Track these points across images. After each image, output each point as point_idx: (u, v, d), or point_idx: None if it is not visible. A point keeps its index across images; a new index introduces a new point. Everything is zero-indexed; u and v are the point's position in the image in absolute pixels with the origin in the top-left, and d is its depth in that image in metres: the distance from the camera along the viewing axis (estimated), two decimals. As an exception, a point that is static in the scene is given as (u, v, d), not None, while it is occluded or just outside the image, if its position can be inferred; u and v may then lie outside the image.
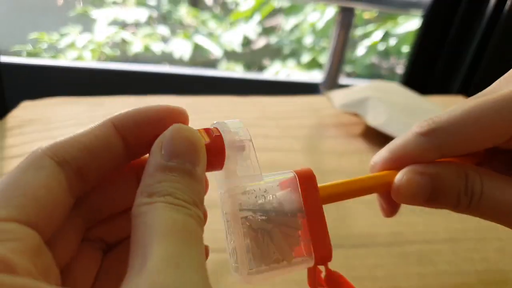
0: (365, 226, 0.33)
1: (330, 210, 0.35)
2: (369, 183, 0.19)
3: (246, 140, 0.16)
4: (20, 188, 0.12)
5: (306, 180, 0.17)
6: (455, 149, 0.17)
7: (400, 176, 0.18)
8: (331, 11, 1.36)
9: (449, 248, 0.31)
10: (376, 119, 0.48)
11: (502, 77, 0.18)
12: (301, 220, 0.17)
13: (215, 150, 0.15)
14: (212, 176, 0.17)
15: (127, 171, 0.16)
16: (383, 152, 0.19)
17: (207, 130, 0.16)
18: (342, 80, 1.01)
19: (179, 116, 0.16)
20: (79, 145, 0.14)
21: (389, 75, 1.88)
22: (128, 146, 0.15)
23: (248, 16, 1.21)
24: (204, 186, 0.14)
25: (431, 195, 0.17)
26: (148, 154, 0.14)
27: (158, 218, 0.12)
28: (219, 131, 0.16)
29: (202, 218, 0.13)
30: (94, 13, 1.43)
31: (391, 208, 0.21)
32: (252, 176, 0.16)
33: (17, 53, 1.27)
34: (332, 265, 0.29)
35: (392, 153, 0.19)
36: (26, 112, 0.43)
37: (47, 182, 0.13)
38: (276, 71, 1.56)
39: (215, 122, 0.16)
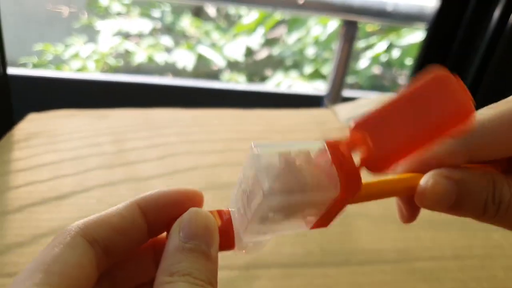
0: (371, 242, 0.33)
1: (335, 226, 0.35)
2: (392, 186, 0.18)
3: None
4: (59, 266, 0.13)
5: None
6: (484, 153, 0.17)
7: (425, 180, 0.17)
8: (333, 24, 1.38)
9: (456, 265, 0.31)
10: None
11: None
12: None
13: (226, 233, 0.16)
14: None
15: (145, 247, 0.17)
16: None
17: (219, 213, 0.17)
18: (346, 92, 1.01)
19: (196, 199, 0.17)
20: (107, 226, 0.15)
21: (392, 86, 1.88)
22: (149, 225, 0.16)
23: (252, 29, 1.22)
24: (217, 266, 0.15)
25: (456, 202, 0.17)
26: (165, 233, 0.16)
27: None
28: (229, 215, 0.17)
29: None
30: (99, 24, 1.45)
31: (411, 213, 0.20)
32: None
33: (23, 65, 1.29)
34: (339, 282, 0.29)
35: (417, 155, 0.17)
36: (32, 125, 0.43)
37: (80, 260, 0.14)
38: (278, 82, 1.57)
39: (230, 209, 0.17)
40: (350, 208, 0.38)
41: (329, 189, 0.15)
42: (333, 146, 0.15)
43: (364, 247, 0.32)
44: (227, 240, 0.16)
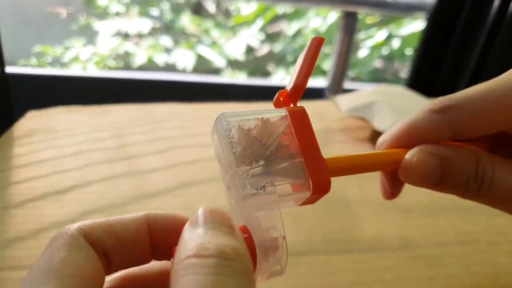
0: (373, 230, 0.32)
1: (337, 214, 0.35)
2: (377, 159, 0.18)
3: (280, 238, 0.14)
4: (71, 268, 0.13)
5: (298, 117, 0.16)
6: (468, 129, 0.17)
7: (410, 155, 0.17)
8: (333, 16, 1.37)
9: (459, 251, 0.31)
10: (382, 124, 0.48)
11: None
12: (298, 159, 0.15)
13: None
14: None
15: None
16: (393, 129, 0.18)
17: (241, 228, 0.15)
18: (347, 84, 1.01)
19: None
20: (108, 231, 0.14)
21: (394, 79, 1.87)
22: (153, 244, 0.15)
23: (251, 21, 1.21)
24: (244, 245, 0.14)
25: (440, 178, 0.17)
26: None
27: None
28: (248, 231, 0.14)
29: None
30: (97, 25, 1.45)
31: (393, 189, 0.20)
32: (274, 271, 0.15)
33: (23, 68, 1.29)
34: (342, 270, 0.29)
35: (402, 131, 0.18)
36: (33, 121, 0.43)
37: (90, 260, 0.13)
38: (280, 78, 1.57)
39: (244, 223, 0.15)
40: (352, 197, 0.38)
41: (292, 156, 0.15)
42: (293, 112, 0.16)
43: (367, 235, 0.32)
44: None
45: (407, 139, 0.18)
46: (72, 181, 0.35)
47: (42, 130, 0.41)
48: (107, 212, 0.32)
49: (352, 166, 0.17)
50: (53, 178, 0.35)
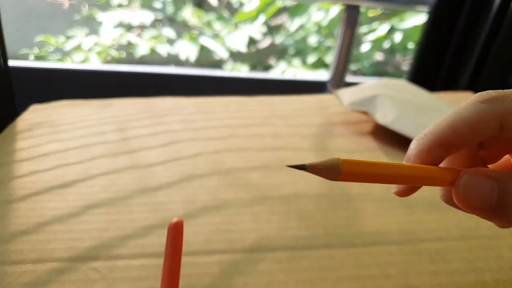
0: (376, 224, 0.32)
1: (340, 209, 0.35)
2: (410, 172, 0.16)
3: None
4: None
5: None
6: None
7: (465, 179, 0.16)
8: (335, 10, 1.36)
9: (462, 246, 0.31)
10: (385, 117, 0.48)
11: None
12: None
13: None
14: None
15: None
16: (432, 127, 0.17)
17: None
18: (349, 78, 1.00)
19: None
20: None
21: (396, 73, 1.86)
22: None
23: (253, 17, 1.21)
24: None
25: (498, 202, 0.16)
26: None
27: None
28: None
29: None
30: (100, 15, 1.44)
31: (410, 187, 0.19)
32: None
33: (24, 57, 1.29)
34: (345, 264, 0.29)
35: (445, 125, 0.17)
36: (35, 115, 0.43)
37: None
38: (282, 71, 1.56)
39: None
40: (354, 191, 0.38)
41: None
42: None
43: (369, 229, 0.32)
44: None
45: (452, 134, 0.17)
46: (75, 174, 0.35)
47: (45, 123, 0.41)
48: (110, 205, 0.32)
49: (380, 176, 0.16)
50: (56, 172, 0.35)
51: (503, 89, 0.16)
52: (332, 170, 0.15)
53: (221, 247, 0.29)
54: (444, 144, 0.17)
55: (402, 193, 0.19)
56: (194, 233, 0.30)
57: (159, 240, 0.29)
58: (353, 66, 1.61)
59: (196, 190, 0.34)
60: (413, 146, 0.18)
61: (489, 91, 0.16)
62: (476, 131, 0.16)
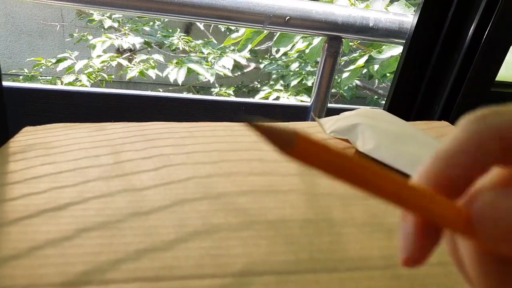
0: (358, 249, 0.34)
1: (324, 234, 0.37)
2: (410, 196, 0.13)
3: None
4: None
5: None
6: None
7: (481, 201, 0.13)
8: (318, 38, 1.42)
9: (441, 271, 0.33)
10: (365, 145, 0.50)
11: None
12: None
13: None
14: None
15: None
16: (429, 160, 0.14)
17: None
18: (331, 105, 1.04)
19: None
20: None
21: (373, 97, 1.93)
22: None
23: (241, 46, 1.26)
24: None
25: None
26: None
27: None
28: None
29: None
30: (91, 39, 1.46)
31: (423, 252, 0.15)
32: None
33: (14, 76, 1.28)
34: (329, 288, 0.30)
35: (441, 153, 0.14)
36: (28, 137, 0.43)
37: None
38: (266, 94, 1.60)
39: None
40: (337, 217, 0.40)
41: None
42: None
43: (352, 254, 0.34)
44: None
45: (450, 159, 0.14)
46: (68, 198, 0.35)
47: (38, 145, 0.41)
48: (103, 229, 0.32)
49: (341, 172, 0.13)
50: (49, 195, 0.35)
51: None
52: (283, 139, 0.12)
53: (212, 271, 0.30)
54: (442, 169, 0.14)
55: (414, 261, 0.15)
56: (185, 257, 0.31)
57: (152, 264, 0.30)
58: (332, 90, 1.67)
59: (187, 214, 0.36)
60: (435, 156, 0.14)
61: (481, 110, 0.14)
62: (476, 153, 0.13)
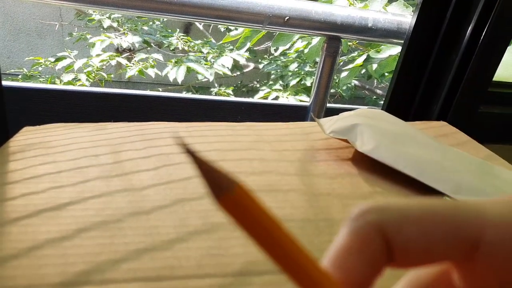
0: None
1: (324, 234, 0.37)
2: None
3: None
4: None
5: None
6: (399, 232, 0.13)
7: None
8: (317, 38, 1.42)
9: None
10: (364, 145, 0.51)
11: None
12: None
13: None
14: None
15: None
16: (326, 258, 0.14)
17: None
18: (330, 104, 1.04)
19: None
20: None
21: (371, 97, 1.94)
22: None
23: (239, 44, 1.26)
24: None
25: None
26: None
27: None
28: None
29: None
30: (90, 38, 1.46)
31: None
32: None
33: (13, 76, 1.28)
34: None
35: (330, 257, 0.14)
36: (28, 136, 0.43)
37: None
38: (265, 94, 1.60)
39: None
40: (337, 217, 0.40)
41: None
42: None
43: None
44: None
45: (339, 261, 0.14)
46: (67, 197, 0.35)
47: (37, 145, 0.41)
48: (103, 229, 0.32)
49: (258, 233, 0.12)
50: (49, 194, 0.35)
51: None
52: (220, 184, 0.12)
53: (212, 271, 0.30)
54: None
55: None
56: (185, 257, 0.31)
57: (152, 264, 0.30)
58: (331, 90, 1.68)
59: (187, 214, 0.36)
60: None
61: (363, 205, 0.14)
62: (362, 251, 0.13)
